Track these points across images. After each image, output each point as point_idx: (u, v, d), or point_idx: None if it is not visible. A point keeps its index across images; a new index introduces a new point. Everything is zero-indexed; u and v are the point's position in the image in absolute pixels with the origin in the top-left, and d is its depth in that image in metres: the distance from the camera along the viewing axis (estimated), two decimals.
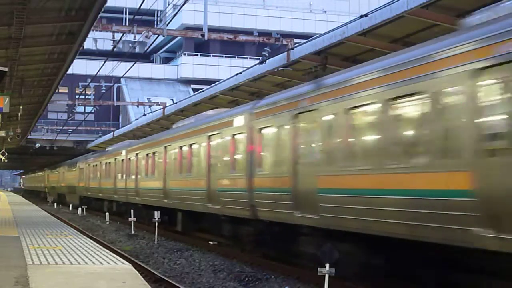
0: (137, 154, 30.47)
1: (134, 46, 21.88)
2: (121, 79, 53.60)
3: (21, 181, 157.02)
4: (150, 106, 43.43)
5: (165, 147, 25.01)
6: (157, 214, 23.39)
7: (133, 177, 30.90)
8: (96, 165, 41.99)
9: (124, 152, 33.62)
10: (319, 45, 18.15)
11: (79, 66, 57.90)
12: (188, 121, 24.49)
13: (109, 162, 37.49)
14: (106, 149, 41.89)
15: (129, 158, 32.29)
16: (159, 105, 38.93)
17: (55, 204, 57.26)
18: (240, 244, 18.31)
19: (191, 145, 21.75)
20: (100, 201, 41.56)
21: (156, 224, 23.24)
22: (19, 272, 10.89)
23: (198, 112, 30.54)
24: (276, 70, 20.96)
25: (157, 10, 56.51)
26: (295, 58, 19.59)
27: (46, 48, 19.22)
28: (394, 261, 11.51)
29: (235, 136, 17.88)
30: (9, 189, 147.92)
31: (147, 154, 28.20)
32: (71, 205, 50.65)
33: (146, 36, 20.79)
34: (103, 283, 10.05)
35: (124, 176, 33.05)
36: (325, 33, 18.27)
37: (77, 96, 51.74)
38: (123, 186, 33.12)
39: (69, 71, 23.28)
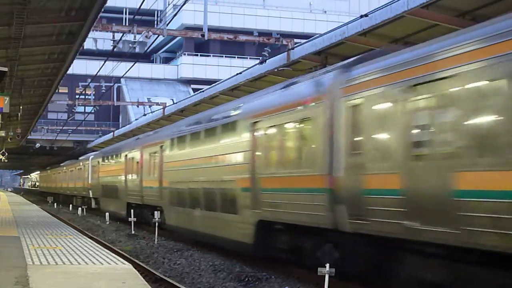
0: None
1: (134, 46, 21.87)
2: (121, 79, 53.58)
3: (21, 181, 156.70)
4: (150, 106, 43.46)
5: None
6: (157, 214, 23.40)
7: None
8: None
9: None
10: (319, 45, 18.16)
11: (79, 66, 57.88)
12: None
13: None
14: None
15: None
16: (159, 105, 38.98)
17: (55, 204, 57.10)
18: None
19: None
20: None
21: (156, 224, 23.26)
22: (19, 272, 10.89)
23: (198, 112, 30.69)
24: (276, 70, 20.97)
25: (157, 10, 56.48)
26: (295, 58, 19.61)
27: (46, 48, 19.24)
28: None
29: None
30: (9, 189, 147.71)
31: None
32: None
33: (146, 36, 20.80)
34: (103, 283, 10.05)
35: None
36: (325, 33, 18.29)
37: (77, 96, 51.81)
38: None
39: (69, 71, 23.31)
